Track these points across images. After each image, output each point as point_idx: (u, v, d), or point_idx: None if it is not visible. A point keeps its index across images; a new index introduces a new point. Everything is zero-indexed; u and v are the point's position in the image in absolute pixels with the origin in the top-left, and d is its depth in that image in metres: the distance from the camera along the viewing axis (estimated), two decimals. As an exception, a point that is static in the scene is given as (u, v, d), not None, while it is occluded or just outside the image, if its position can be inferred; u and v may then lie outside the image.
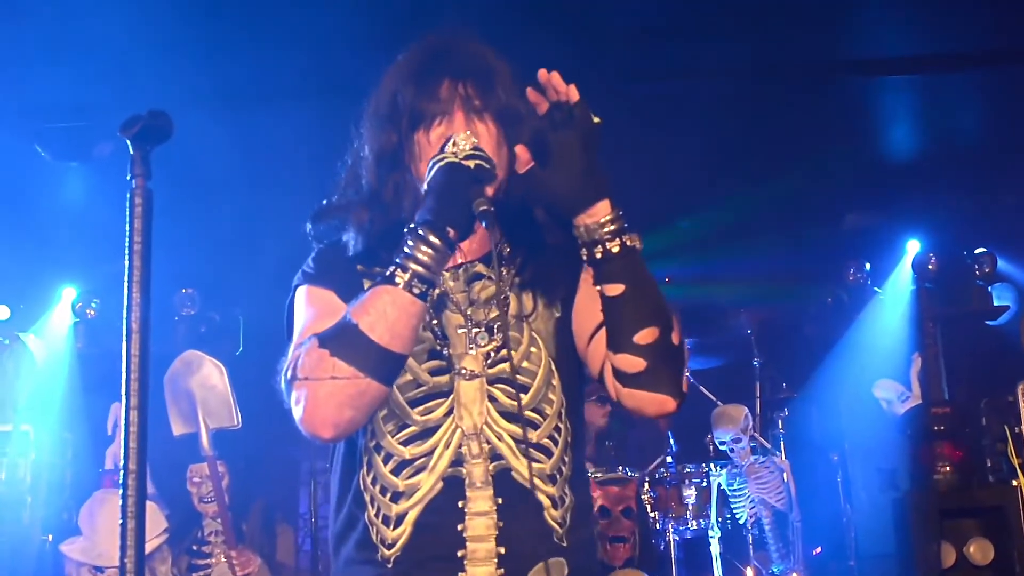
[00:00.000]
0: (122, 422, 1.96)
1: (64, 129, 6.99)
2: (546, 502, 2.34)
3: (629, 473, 6.68)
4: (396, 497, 2.32)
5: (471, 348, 2.37)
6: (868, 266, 8.16)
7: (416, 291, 2.17)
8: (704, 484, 6.67)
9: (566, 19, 6.30)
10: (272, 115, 6.88)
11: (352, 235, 2.44)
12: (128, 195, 2.00)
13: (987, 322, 7.87)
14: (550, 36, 6.36)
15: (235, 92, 6.77)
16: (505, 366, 2.34)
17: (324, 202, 2.51)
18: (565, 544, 2.36)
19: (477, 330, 2.38)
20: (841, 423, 7.95)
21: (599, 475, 6.59)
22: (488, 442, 2.32)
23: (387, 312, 2.17)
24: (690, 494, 6.66)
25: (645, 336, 2.28)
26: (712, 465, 6.68)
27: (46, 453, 6.98)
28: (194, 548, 6.51)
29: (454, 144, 2.27)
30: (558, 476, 2.36)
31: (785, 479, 6.51)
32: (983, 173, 7.91)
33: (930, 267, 7.69)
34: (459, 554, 2.30)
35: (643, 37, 6.51)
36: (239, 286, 7.86)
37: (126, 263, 1.98)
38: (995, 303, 7.81)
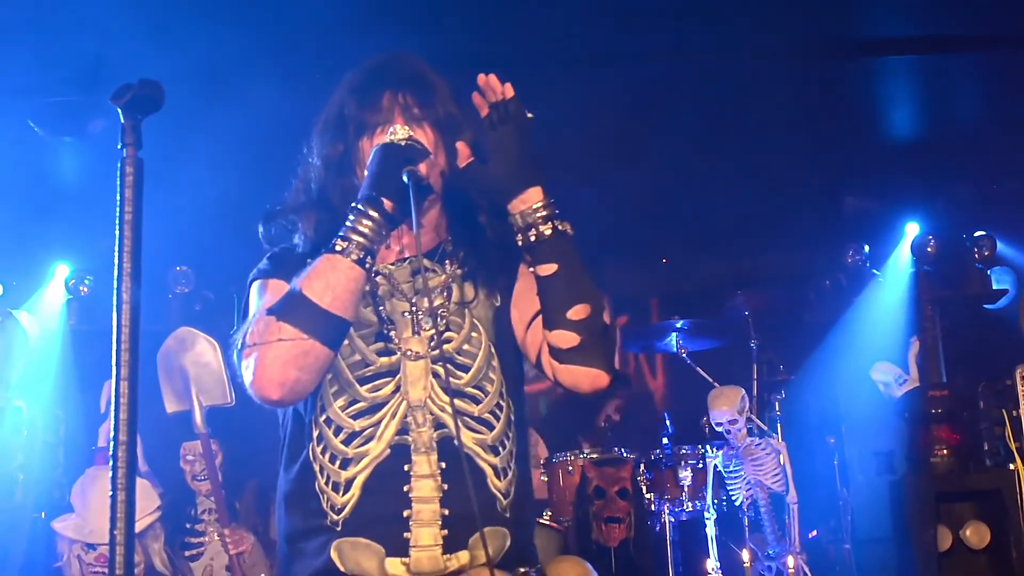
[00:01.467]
0: (112, 393, 1.94)
1: (58, 104, 6.92)
2: (489, 471, 2.54)
3: (625, 454, 6.65)
4: (345, 464, 2.49)
5: (417, 332, 2.55)
6: (867, 249, 8.13)
7: (355, 257, 2.37)
8: (700, 466, 6.64)
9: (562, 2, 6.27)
10: (270, 91, 6.82)
11: (301, 236, 2.62)
12: (119, 164, 1.99)
13: (986, 306, 7.84)
14: (545, 13, 6.33)
15: (231, 67, 6.71)
16: (447, 347, 2.55)
17: (276, 206, 2.70)
18: (508, 515, 2.56)
19: (420, 316, 2.56)
20: (838, 406, 7.94)
21: (595, 455, 6.57)
22: (432, 413, 2.50)
23: (328, 277, 2.37)
24: (686, 475, 6.64)
25: (578, 312, 2.48)
26: (708, 447, 6.65)
27: (39, 430, 6.93)
28: (187, 526, 6.51)
29: (392, 133, 2.50)
30: (500, 448, 2.56)
31: (782, 461, 6.48)
32: (983, 156, 7.87)
33: (929, 250, 7.66)
34: (405, 514, 2.47)
35: (641, 18, 6.46)
36: (234, 264, 7.79)
37: (116, 233, 1.97)
38: (994, 286, 7.79)
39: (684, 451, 6.71)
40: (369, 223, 2.39)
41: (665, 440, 6.83)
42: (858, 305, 8.11)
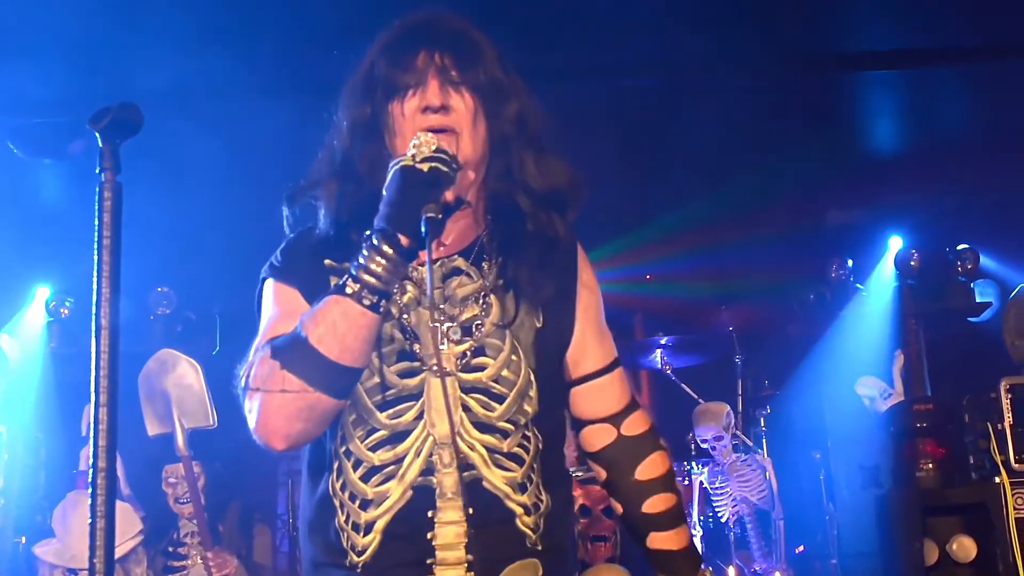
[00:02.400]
0: (91, 420, 1.92)
1: (37, 125, 6.90)
2: (518, 510, 2.33)
3: (589, 471, 6.61)
4: (365, 505, 2.29)
5: (442, 344, 2.31)
6: (850, 263, 8.14)
7: (367, 303, 2.11)
8: (686, 482, 6.63)
9: (547, 13, 6.25)
10: (249, 111, 6.81)
11: (323, 211, 2.38)
12: (97, 189, 1.97)
13: (969, 319, 7.85)
14: (528, 31, 6.32)
15: (211, 87, 6.70)
16: (481, 375, 2.31)
17: (299, 182, 2.46)
18: (540, 548, 2.36)
19: (450, 325, 2.32)
20: (824, 421, 7.93)
21: (580, 474, 6.53)
22: (460, 452, 2.27)
23: (337, 325, 2.12)
24: (672, 493, 6.60)
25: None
26: (694, 463, 6.65)
27: (19, 454, 6.88)
28: (170, 549, 6.45)
29: (415, 146, 2.19)
30: (528, 484, 2.33)
31: (767, 477, 6.47)
32: (966, 169, 7.88)
33: (912, 264, 7.68)
34: (428, 561, 2.28)
35: (623, 31, 6.46)
36: (216, 284, 7.79)
37: (95, 258, 1.95)
38: (977, 300, 7.80)
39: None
40: (383, 261, 2.10)
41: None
42: (842, 319, 8.11)
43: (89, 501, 1.91)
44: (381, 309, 2.14)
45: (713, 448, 6.47)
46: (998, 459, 6.21)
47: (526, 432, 2.34)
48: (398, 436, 2.29)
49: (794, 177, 7.86)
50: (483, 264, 2.39)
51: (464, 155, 2.27)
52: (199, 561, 6.11)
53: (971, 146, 7.70)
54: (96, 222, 1.96)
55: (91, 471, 1.90)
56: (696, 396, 6.92)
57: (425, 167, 2.14)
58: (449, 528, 2.27)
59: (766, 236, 8.40)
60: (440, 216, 2.11)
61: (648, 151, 7.67)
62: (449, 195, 2.18)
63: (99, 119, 1.98)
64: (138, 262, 7.39)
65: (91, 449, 1.91)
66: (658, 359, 7.29)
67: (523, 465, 2.32)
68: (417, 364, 2.30)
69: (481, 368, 2.31)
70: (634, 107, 7.20)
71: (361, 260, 2.12)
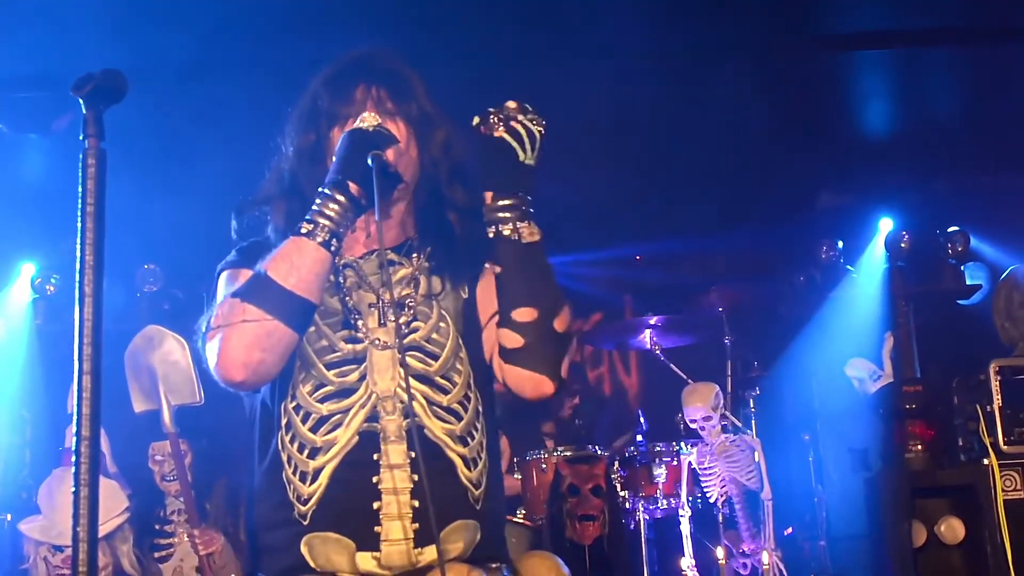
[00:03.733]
0: (75, 387, 1.90)
1: (22, 100, 6.84)
2: (458, 461, 2.51)
3: (598, 451, 6.62)
4: (313, 453, 2.47)
5: (383, 323, 2.55)
6: (840, 245, 8.13)
7: (319, 239, 2.38)
8: (674, 463, 6.62)
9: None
10: (236, 87, 6.77)
11: (272, 226, 2.63)
12: (81, 156, 1.96)
13: (959, 301, 7.84)
14: (520, 17, 6.29)
15: (197, 63, 6.65)
16: (415, 336, 2.55)
17: (247, 198, 2.70)
18: (479, 507, 2.54)
19: (384, 306, 2.56)
20: (813, 402, 7.93)
21: (568, 453, 6.54)
22: (401, 402, 2.47)
23: (294, 259, 2.38)
24: (660, 473, 6.62)
25: (523, 314, 2.51)
26: (682, 443, 6.64)
27: (4, 432, 6.87)
28: (156, 527, 6.44)
29: (361, 120, 2.51)
30: (469, 439, 2.53)
31: (756, 458, 6.46)
32: (956, 152, 7.88)
33: (903, 246, 7.65)
34: (375, 506, 2.44)
35: (613, 15, 6.43)
36: (203, 262, 7.73)
37: (78, 225, 1.94)
38: (968, 282, 7.78)
39: (658, 448, 6.69)
40: (335, 207, 2.40)
41: (639, 437, 6.80)
42: (832, 301, 8.10)
43: (73, 471, 1.89)
44: (332, 248, 2.40)
45: (702, 428, 6.46)
46: (987, 441, 6.21)
47: (467, 393, 2.56)
48: (345, 392, 2.49)
49: (785, 159, 7.85)
50: (413, 255, 2.66)
51: (398, 168, 2.53)
52: (186, 539, 6.09)
53: (962, 128, 7.70)
54: (80, 188, 1.94)
55: (75, 439, 1.89)
56: (685, 376, 6.91)
57: (370, 127, 2.48)
58: (394, 472, 2.45)
59: (756, 218, 8.39)
60: (386, 162, 2.43)
61: (638, 135, 7.64)
62: (390, 154, 2.48)
63: (82, 85, 1.98)
64: (126, 240, 7.36)
65: (75, 417, 1.89)
66: (647, 339, 7.28)
67: (461, 420, 2.53)
68: (360, 334, 2.54)
69: (414, 331, 2.56)
70: (624, 92, 7.16)
71: (315, 207, 2.41)
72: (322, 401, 2.49)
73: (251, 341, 2.36)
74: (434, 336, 2.57)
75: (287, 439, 2.49)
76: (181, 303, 7.96)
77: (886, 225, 8.08)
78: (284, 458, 2.49)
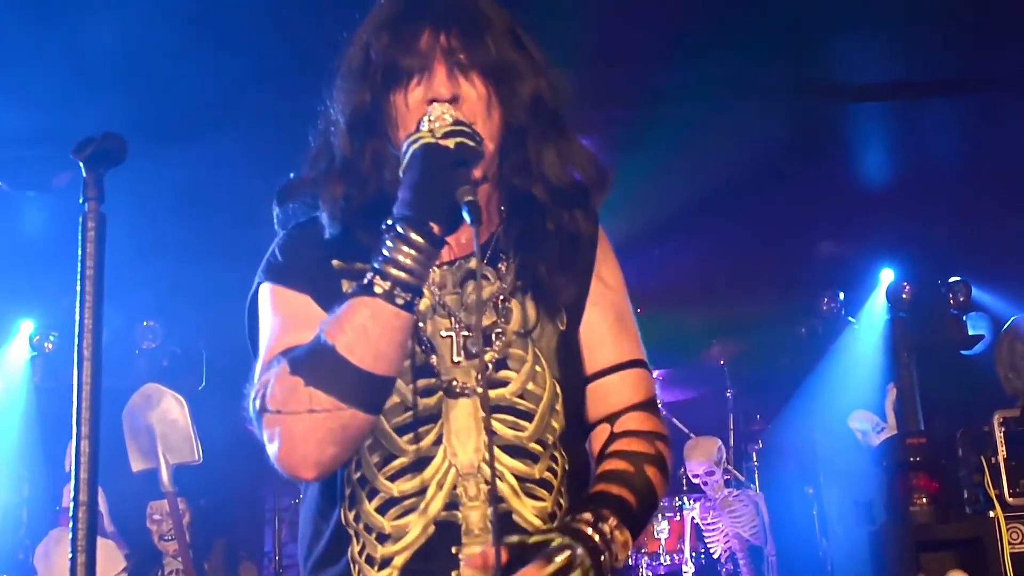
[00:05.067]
0: (71, 452, 1.88)
1: (22, 158, 6.85)
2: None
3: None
4: (383, 539, 2.01)
5: (457, 357, 2.05)
6: (842, 296, 8.13)
7: (400, 302, 1.83)
8: (677, 518, 6.58)
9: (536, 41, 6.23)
10: (234, 145, 6.77)
11: (327, 216, 2.07)
12: (81, 218, 1.93)
13: (962, 352, 7.83)
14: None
15: (194, 122, 6.66)
16: (504, 391, 2.04)
17: (292, 177, 2.17)
18: None
19: (468, 335, 2.05)
20: (816, 455, 7.90)
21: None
22: (487, 482, 1.99)
23: (368, 329, 1.83)
24: (663, 528, 6.57)
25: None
26: (685, 498, 6.60)
27: (2, 490, 6.82)
28: (154, 588, 6.38)
29: (430, 119, 1.94)
30: (557, 512, 2.05)
31: (759, 512, 6.43)
32: (957, 201, 7.88)
33: (904, 296, 7.67)
34: None
35: (613, 61, 6.44)
36: (202, 319, 7.73)
37: (78, 288, 1.91)
38: (970, 332, 7.79)
39: (661, 503, 6.62)
40: (414, 252, 1.83)
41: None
42: (834, 352, 8.09)
43: (70, 535, 1.86)
44: (415, 307, 1.87)
45: (705, 483, 6.43)
46: (992, 493, 6.18)
47: (554, 453, 2.06)
48: (419, 464, 2.01)
49: (785, 209, 7.84)
50: (499, 264, 2.11)
51: (482, 169, 2.00)
52: (184, 599, 6.04)
53: (962, 178, 7.70)
54: (79, 252, 1.91)
55: (72, 504, 1.86)
56: (687, 430, 6.88)
57: (450, 143, 1.88)
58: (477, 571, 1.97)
59: (758, 269, 8.38)
60: (477, 198, 1.84)
61: (637, 183, 7.64)
62: (478, 172, 1.95)
63: (82, 148, 1.94)
64: (124, 297, 7.32)
65: (72, 482, 1.86)
66: (649, 393, 7.24)
67: (552, 492, 2.05)
68: (434, 381, 2.03)
69: (504, 383, 2.05)
70: (624, 138, 7.17)
71: (386, 253, 1.84)
72: (393, 479, 2.02)
73: (323, 436, 1.85)
74: (529, 387, 2.06)
75: (351, 516, 2.05)
76: (180, 360, 7.95)
77: (887, 276, 8.09)
78: (351, 533, 2.05)
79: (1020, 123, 7.13)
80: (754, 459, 7.05)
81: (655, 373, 7.12)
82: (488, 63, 2.02)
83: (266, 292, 2.11)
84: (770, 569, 6.37)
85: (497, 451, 2.00)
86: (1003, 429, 6.23)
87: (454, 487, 2.00)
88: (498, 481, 1.99)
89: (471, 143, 1.89)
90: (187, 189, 6.74)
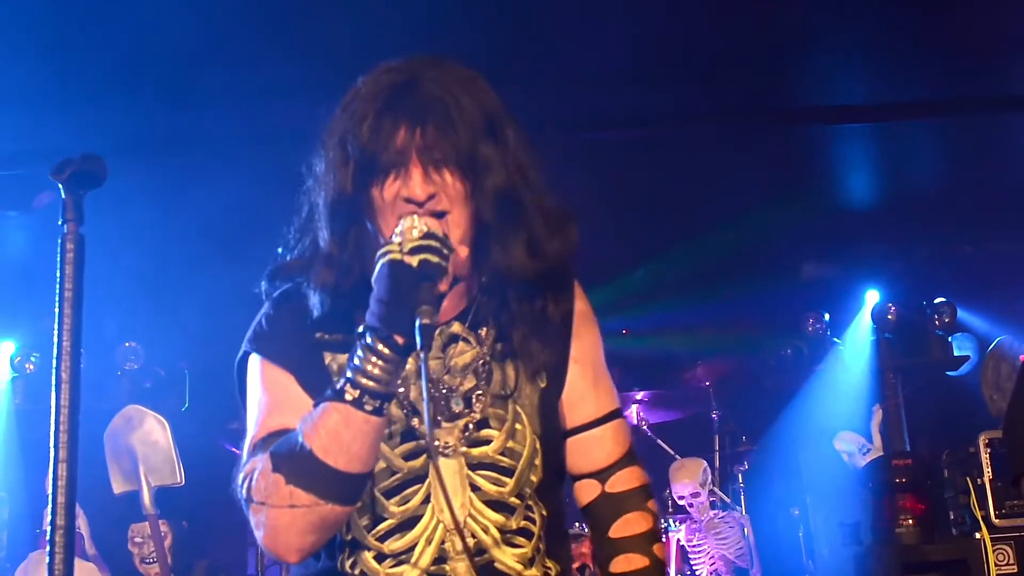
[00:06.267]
0: (50, 476, 1.87)
1: (1, 177, 6.82)
2: None
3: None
4: None
5: (440, 417, 2.18)
6: (827, 317, 8.13)
7: (369, 408, 1.96)
8: (663, 540, 6.54)
9: (522, 66, 6.22)
10: (215, 165, 6.76)
11: (317, 299, 2.17)
12: (60, 240, 1.94)
13: (948, 372, 7.84)
14: (506, 82, 6.29)
15: (177, 142, 6.65)
16: (487, 448, 2.18)
17: (281, 254, 2.27)
18: None
19: (450, 398, 2.19)
20: (802, 476, 7.89)
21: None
22: (473, 535, 2.15)
23: (341, 434, 1.96)
24: (649, 550, 6.53)
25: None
26: (671, 520, 6.58)
27: (-19, 513, 6.77)
28: (136, 611, 6.33)
29: (401, 232, 2.03)
30: (536, 556, 2.21)
31: (745, 534, 6.42)
32: (941, 222, 7.90)
33: (889, 317, 7.68)
34: None
35: (596, 84, 6.44)
36: (185, 340, 7.69)
37: (56, 311, 1.91)
38: (955, 353, 7.80)
39: (646, 525, 6.60)
40: (381, 362, 1.96)
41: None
42: (819, 374, 8.09)
43: (47, 561, 1.86)
44: (384, 411, 1.99)
45: (690, 505, 6.40)
46: (978, 514, 6.19)
47: (530, 503, 2.21)
48: (407, 524, 2.15)
49: (769, 231, 7.84)
50: (480, 330, 2.24)
51: (456, 236, 2.09)
52: (165, 623, 5.98)
53: (946, 199, 7.71)
54: (58, 273, 1.91)
55: (50, 529, 1.85)
56: (672, 452, 6.86)
57: (414, 260, 1.98)
58: None
59: (742, 290, 8.37)
60: (434, 321, 1.95)
61: (621, 206, 7.64)
62: (443, 286, 2.01)
63: (62, 170, 1.95)
64: (106, 318, 7.27)
65: (50, 506, 1.86)
66: (634, 415, 7.23)
67: (532, 539, 2.20)
68: (419, 443, 2.16)
69: (487, 441, 2.18)
70: (608, 162, 7.17)
71: (357, 362, 1.97)
72: (382, 539, 2.15)
73: (303, 527, 2.01)
74: (509, 445, 2.20)
75: (348, 564, 2.19)
76: (162, 381, 7.91)
77: (872, 297, 8.11)
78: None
79: (1005, 143, 7.16)
80: (740, 481, 7.03)
81: (640, 394, 7.14)
82: (461, 159, 2.10)
83: (255, 365, 2.22)
84: (756, 591, 6.35)
85: (480, 505, 2.16)
86: (989, 450, 6.24)
87: (442, 542, 2.14)
88: (483, 533, 2.15)
89: (435, 259, 1.98)
90: (171, 209, 6.70)
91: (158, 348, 7.88)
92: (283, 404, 2.14)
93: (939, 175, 7.76)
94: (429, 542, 2.14)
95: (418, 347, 1.92)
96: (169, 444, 5.41)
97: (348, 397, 1.96)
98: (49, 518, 1.86)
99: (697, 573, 6.40)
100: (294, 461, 1.99)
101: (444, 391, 2.19)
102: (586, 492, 2.36)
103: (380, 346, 1.95)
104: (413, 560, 2.13)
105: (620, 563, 2.31)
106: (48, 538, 1.85)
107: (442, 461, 2.15)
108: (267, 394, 2.17)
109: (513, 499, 2.18)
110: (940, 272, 8.25)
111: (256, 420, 2.16)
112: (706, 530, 6.37)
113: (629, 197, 7.52)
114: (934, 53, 6.35)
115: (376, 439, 2.02)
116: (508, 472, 2.18)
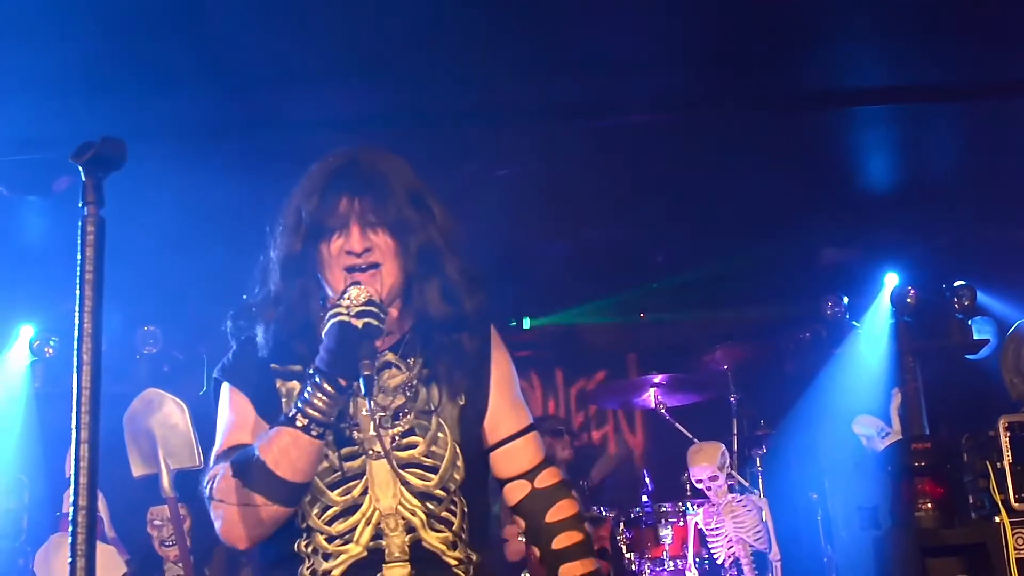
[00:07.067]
0: (71, 458, 1.88)
1: (22, 162, 6.82)
2: (453, 563, 2.73)
3: (604, 512, 6.54)
4: (327, 556, 2.69)
5: (379, 431, 2.65)
6: (846, 300, 8.09)
7: (314, 433, 2.54)
8: (681, 523, 6.56)
9: (536, 52, 6.22)
10: (230, 150, 6.76)
11: (262, 333, 2.74)
12: (80, 223, 1.95)
13: (967, 356, 7.80)
14: (523, 71, 6.29)
15: (194, 127, 6.64)
16: (413, 452, 2.72)
17: (244, 300, 2.82)
18: None
19: (382, 414, 2.70)
20: (820, 460, 7.86)
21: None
22: (403, 518, 2.68)
23: (289, 451, 2.53)
24: (666, 534, 6.56)
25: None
26: (689, 504, 6.58)
27: (2, 497, 6.79)
28: (155, 594, 6.35)
29: (348, 297, 2.59)
30: (459, 543, 2.74)
31: (763, 518, 6.39)
32: (961, 206, 7.86)
33: (909, 301, 7.65)
34: None
35: (614, 69, 6.42)
36: (203, 324, 7.71)
37: (77, 293, 1.92)
38: (975, 337, 7.75)
39: (664, 509, 6.62)
40: (325, 398, 2.53)
41: (645, 498, 6.72)
42: (838, 357, 8.06)
43: (70, 540, 1.87)
44: (324, 436, 2.57)
45: (708, 488, 6.39)
46: (998, 498, 6.16)
47: (454, 498, 2.74)
48: (349, 510, 2.69)
49: (789, 215, 7.81)
50: (409, 359, 2.79)
51: (387, 284, 2.70)
52: (184, 606, 6.00)
53: (966, 182, 7.67)
54: (79, 256, 1.93)
55: (72, 509, 1.87)
56: (691, 436, 6.85)
57: (359, 323, 2.55)
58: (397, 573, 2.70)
59: (761, 274, 8.35)
60: (372, 373, 2.56)
61: (639, 191, 7.63)
62: (380, 343, 2.62)
63: (82, 153, 1.97)
64: (125, 302, 7.28)
65: (72, 487, 1.87)
66: (652, 398, 7.22)
67: (452, 526, 2.72)
68: (357, 448, 2.70)
69: (413, 446, 2.72)
70: (628, 146, 7.15)
71: (306, 395, 2.55)
72: (330, 523, 2.69)
73: (253, 522, 2.57)
74: (433, 449, 2.73)
75: (303, 544, 2.72)
76: (181, 365, 7.92)
77: (892, 280, 8.06)
78: (304, 555, 2.72)
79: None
80: (758, 464, 7.01)
81: (658, 378, 7.15)
82: (390, 221, 2.70)
83: (224, 391, 2.81)
84: (774, 575, 6.33)
85: (408, 495, 2.69)
86: (1008, 434, 6.21)
87: (378, 523, 2.68)
88: (411, 516, 2.69)
89: (375, 322, 2.57)
90: (191, 193, 6.71)
91: (177, 332, 7.90)
92: (242, 424, 2.72)
93: (959, 159, 7.72)
94: (368, 523, 2.67)
95: (363, 393, 2.54)
96: (188, 427, 5.41)
97: (298, 424, 2.53)
98: (71, 499, 1.87)
99: (715, 556, 6.40)
100: (250, 470, 2.55)
101: (379, 407, 2.71)
102: (517, 491, 2.91)
103: (326, 386, 2.53)
104: (355, 539, 2.67)
105: (561, 540, 2.85)
106: (71, 518, 1.86)
107: (374, 463, 2.68)
108: (231, 414, 2.76)
109: (439, 491, 2.70)
110: (959, 255, 8.21)
111: (223, 434, 2.74)
112: (724, 513, 6.36)
113: (648, 182, 7.50)
114: (956, 36, 6.29)
115: (316, 457, 2.59)
116: (432, 470, 2.71)
